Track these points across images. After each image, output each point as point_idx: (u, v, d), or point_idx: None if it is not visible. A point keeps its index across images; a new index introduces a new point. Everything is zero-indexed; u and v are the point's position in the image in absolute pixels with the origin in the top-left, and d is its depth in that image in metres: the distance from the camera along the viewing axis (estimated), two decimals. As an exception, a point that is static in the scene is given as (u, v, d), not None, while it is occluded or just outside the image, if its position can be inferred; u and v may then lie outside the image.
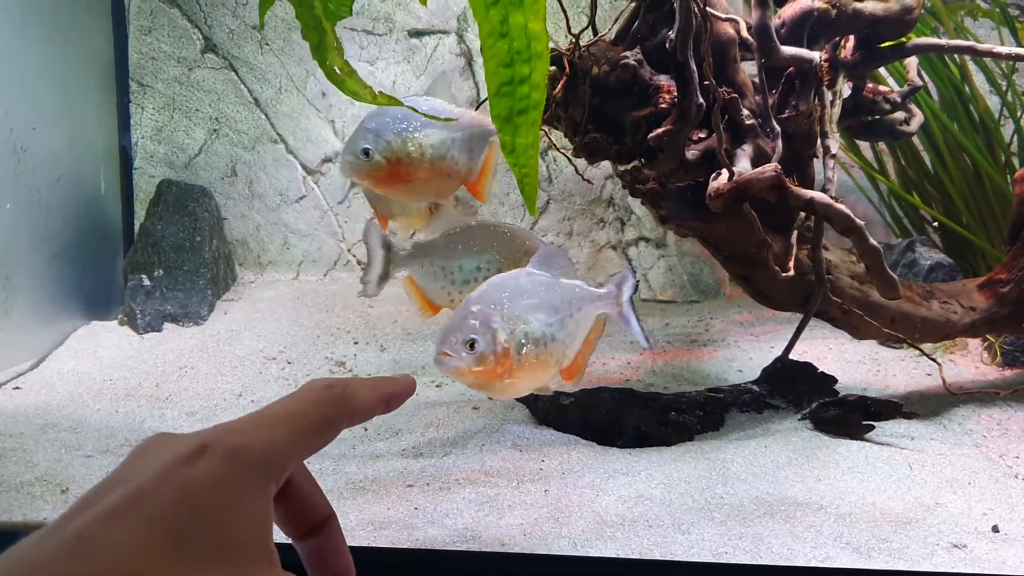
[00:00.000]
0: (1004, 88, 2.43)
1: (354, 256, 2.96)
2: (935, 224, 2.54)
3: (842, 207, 1.54)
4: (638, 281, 2.53)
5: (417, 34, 2.86)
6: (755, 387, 1.95)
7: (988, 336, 2.19)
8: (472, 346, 1.29)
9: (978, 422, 1.95)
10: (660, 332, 2.66)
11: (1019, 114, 2.42)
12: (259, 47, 2.83)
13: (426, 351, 2.45)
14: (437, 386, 2.22)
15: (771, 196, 1.56)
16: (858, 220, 1.54)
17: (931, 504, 1.55)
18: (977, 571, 1.38)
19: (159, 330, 2.53)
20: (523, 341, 1.34)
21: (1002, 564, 1.40)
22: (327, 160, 2.92)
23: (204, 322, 2.60)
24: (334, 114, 2.90)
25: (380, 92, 1.53)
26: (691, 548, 1.41)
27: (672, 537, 1.43)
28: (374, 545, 1.38)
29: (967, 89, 2.40)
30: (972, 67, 2.45)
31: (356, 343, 2.51)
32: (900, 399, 2.09)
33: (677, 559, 1.39)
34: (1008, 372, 2.20)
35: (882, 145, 2.58)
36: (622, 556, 1.38)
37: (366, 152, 1.58)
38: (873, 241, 1.57)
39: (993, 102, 2.51)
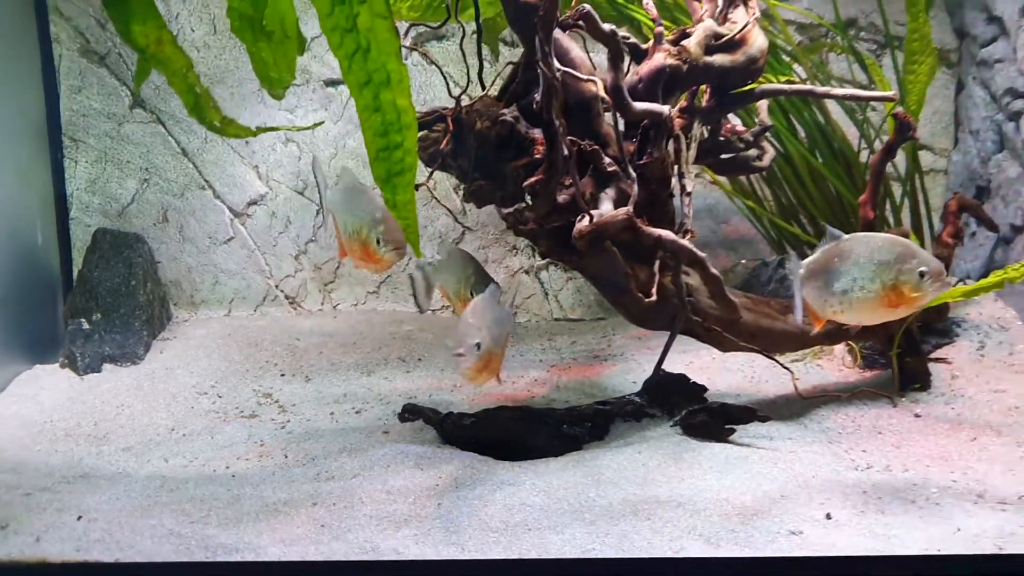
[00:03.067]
0: (861, 119, 2.66)
1: (281, 292, 3.12)
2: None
3: (685, 243, 1.75)
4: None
5: (332, 83, 3.05)
6: (637, 398, 2.15)
7: (849, 342, 2.42)
8: (478, 347, 1.74)
9: (835, 421, 2.17)
10: (567, 349, 2.86)
11: (875, 143, 2.64)
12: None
13: (348, 380, 2.62)
14: (357, 412, 2.40)
15: (626, 236, 1.76)
16: (700, 253, 1.75)
17: (777, 497, 1.76)
18: (809, 554, 1.58)
19: (98, 371, 2.68)
20: (497, 345, 1.80)
21: (831, 546, 1.60)
22: (253, 203, 3.09)
23: (141, 361, 2.75)
24: (257, 160, 3.07)
25: (258, 127, 1.76)
26: (563, 547, 1.60)
27: (548, 538, 1.62)
28: (285, 560, 1.55)
29: (825, 123, 2.62)
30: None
31: (283, 375, 2.67)
32: (769, 403, 2.31)
33: (549, 557, 1.58)
34: (868, 373, 2.42)
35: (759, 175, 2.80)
36: (501, 557, 1.57)
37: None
38: (714, 270, 1.78)
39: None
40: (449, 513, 1.69)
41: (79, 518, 1.68)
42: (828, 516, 1.69)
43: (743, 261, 2.96)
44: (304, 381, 2.62)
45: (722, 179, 2.80)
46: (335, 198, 1.99)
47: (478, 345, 1.73)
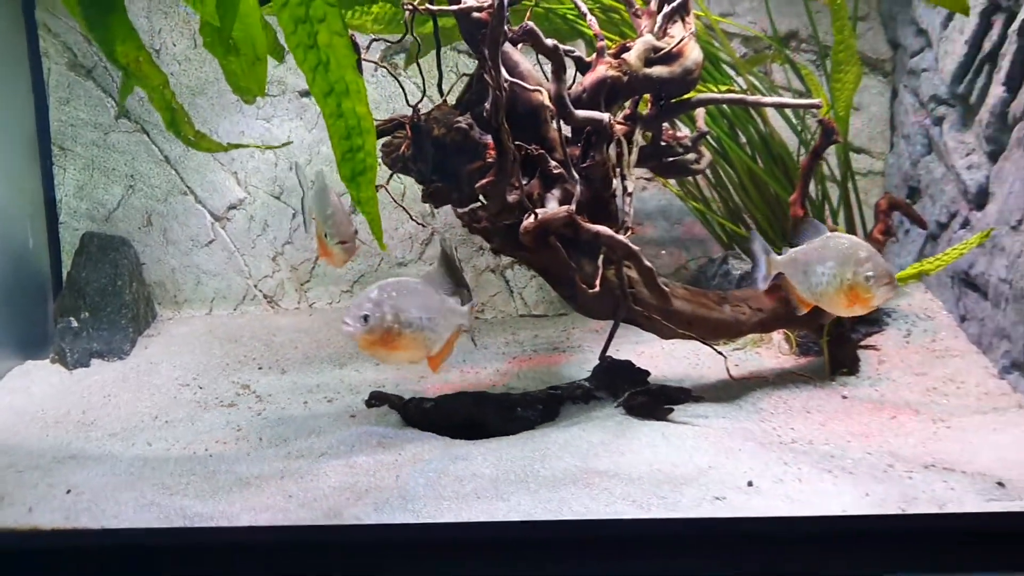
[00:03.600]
0: (799, 126, 2.82)
1: (260, 291, 3.26)
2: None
3: (620, 237, 1.90)
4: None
5: (306, 94, 3.18)
6: (586, 383, 2.30)
7: (785, 330, 2.58)
8: (366, 319, 1.75)
9: (768, 402, 2.32)
10: (529, 342, 3.00)
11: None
12: (167, 111, 3.13)
13: (321, 372, 2.76)
14: (328, 401, 2.53)
15: (567, 232, 1.92)
16: (633, 247, 1.90)
17: (705, 467, 1.90)
18: (729, 516, 1.74)
19: (87, 365, 2.81)
20: (400, 324, 1.79)
21: (750, 510, 1.75)
22: (232, 208, 3.22)
23: (127, 356, 2.88)
24: (236, 167, 3.21)
25: (229, 143, 1.90)
26: (509, 512, 1.74)
27: (495, 505, 1.76)
28: (254, 525, 1.69)
29: (766, 131, 2.78)
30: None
31: (260, 368, 2.80)
32: (710, 387, 2.46)
33: (496, 520, 1.72)
34: (802, 360, 2.58)
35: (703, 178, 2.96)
36: (454, 521, 1.71)
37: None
38: (647, 263, 1.94)
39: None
40: (406, 484, 1.84)
41: (68, 492, 1.82)
42: (750, 483, 1.83)
43: (693, 259, 3.13)
44: (280, 373, 2.76)
45: (673, 183, 2.96)
46: (311, 200, 2.14)
47: (365, 318, 1.76)
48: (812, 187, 2.75)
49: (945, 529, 1.69)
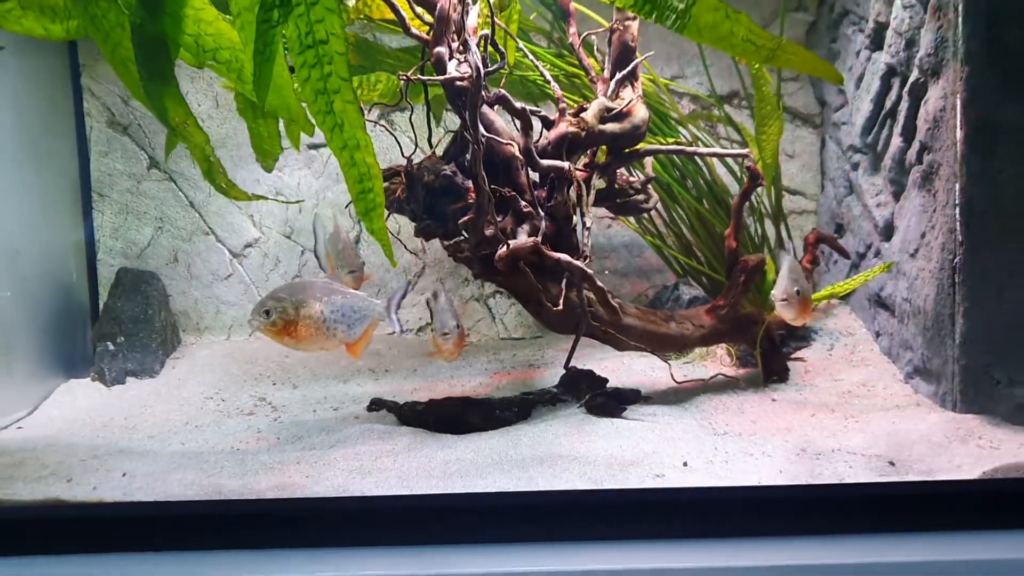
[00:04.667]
0: (739, 173, 3.19)
1: (274, 319, 3.59)
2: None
3: (577, 263, 2.25)
4: (407, 291, 3.15)
5: (314, 147, 3.54)
6: (554, 389, 2.63)
7: (726, 345, 2.92)
8: (267, 314, 2.05)
9: (710, 405, 2.63)
10: (509, 360, 3.32)
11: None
12: (191, 163, 3.47)
13: (328, 387, 3.06)
14: (335, 409, 2.83)
15: (534, 259, 2.26)
16: (588, 271, 2.25)
17: (650, 452, 2.20)
18: (664, 487, 2.05)
19: (123, 383, 3.11)
20: (302, 316, 2.10)
21: (683, 483, 2.07)
22: (248, 245, 3.55)
23: (157, 375, 3.19)
24: (252, 210, 3.54)
25: (254, 194, 2.25)
26: (486, 487, 2.04)
27: (475, 481, 2.06)
28: (278, 497, 2.01)
29: (711, 177, 3.15)
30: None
31: (274, 384, 3.11)
32: (661, 393, 2.77)
33: (476, 492, 2.04)
34: (742, 370, 2.91)
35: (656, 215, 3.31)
36: (442, 492, 2.03)
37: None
38: (600, 284, 2.28)
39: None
40: (402, 466, 2.15)
41: (123, 475, 2.12)
42: (685, 464, 2.13)
43: (652, 287, 3.48)
44: (292, 388, 3.08)
45: (633, 221, 3.31)
46: (327, 241, 2.50)
47: (267, 312, 2.05)
48: (753, 224, 3.12)
49: (842, 496, 1.99)
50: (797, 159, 3.50)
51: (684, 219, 3.17)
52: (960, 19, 2.30)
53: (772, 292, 2.34)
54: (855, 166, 3.07)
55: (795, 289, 2.30)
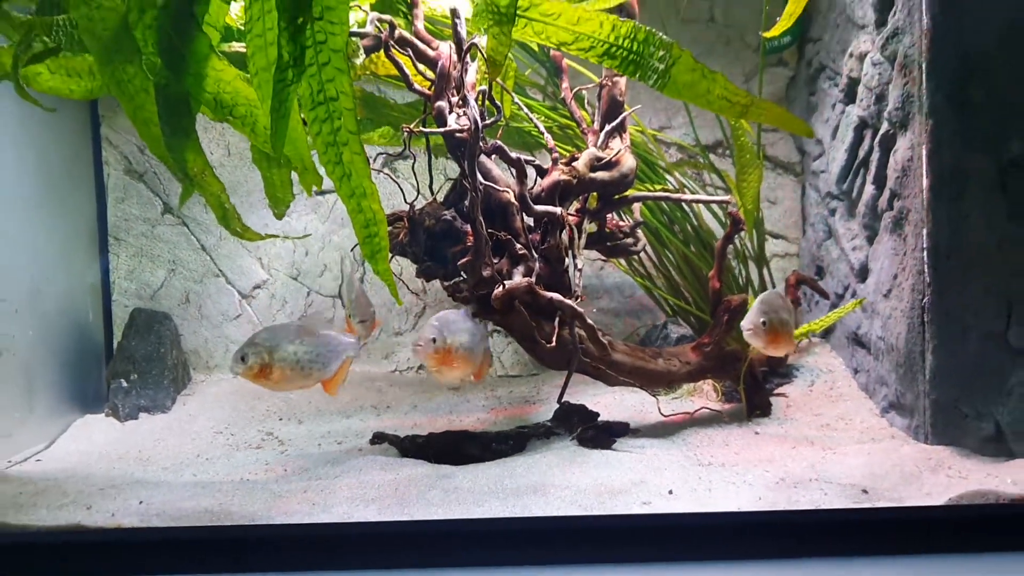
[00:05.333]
0: (723, 219, 3.32)
1: (280, 357, 3.71)
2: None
3: (569, 302, 2.37)
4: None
5: (321, 193, 3.68)
6: (548, 423, 2.74)
7: (712, 381, 3.03)
8: (243, 359, 2.17)
9: (696, 438, 2.73)
10: (506, 397, 3.43)
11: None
12: (204, 208, 3.61)
13: (331, 422, 3.16)
14: (339, 443, 2.93)
15: (528, 299, 2.39)
16: (579, 309, 2.37)
17: (638, 481, 2.30)
18: (649, 512, 2.15)
19: (136, 418, 3.22)
20: (276, 360, 2.20)
21: (669, 510, 2.18)
22: (256, 287, 3.67)
23: (169, 411, 3.29)
24: (260, 253, 3.66)
25: (267, 234, 2.38)
26: (483, 514, 2.15)
27: (471, 509, 2.16)
28: (287, 523, 2.11)
29: (697, 223, 3.28)
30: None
31: (280, 419, 3.21)
32: (650, 427, 2.86)
33: (471, 517, 2.14)
34: (727, 405, 3.02)
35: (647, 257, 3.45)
36: (438, 519, 2.13)
37: None
38: (590, 321, 2.40)
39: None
40: (403, 495, 2.25)
41: (140, 502, 2.23)
42: (670, 492, 2.22)
43: (643, 326, 3.59)
44: (297, 423, 3.18)
45: (623, 263, 3.44)
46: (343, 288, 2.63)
47: (243, 358, 2.17)
48: (737, 266, 3.26)
49: (816, 521, 2.09)
50: (780, 205, 3.64)
51: (672, 262, 3.30)
52: (924, 76, 2.45)
53: (741, 323, 2.46)
54: (832, 212, 3.21)
55: (761, 320, 2.41)
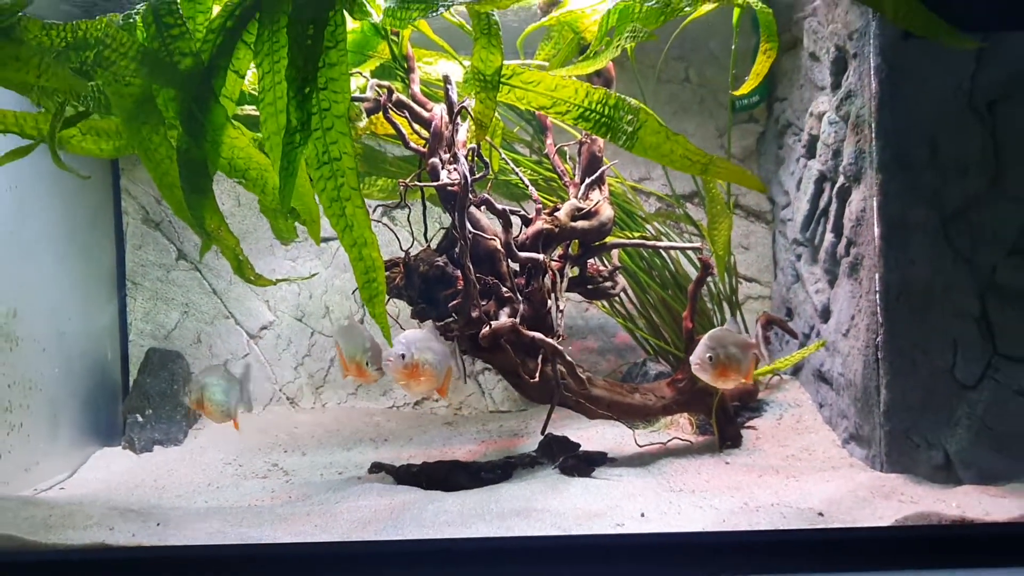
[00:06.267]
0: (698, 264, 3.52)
1: (284, 394, 3.89)
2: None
3: (550, 341, 2.58)
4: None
5: (325, 240, 3.89)
6: (533, 453, 2.92)
7: (688, 415, 3.22)
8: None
9: (669, 466, 2.88)
10: (496, 431, 3.61)
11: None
12: (216, 254, 3.82)
13: (333, 454, 3.32)
14: (339, 473, 3.10)
15: (512, 337, 2.59)
16: (559, 347, 2.57)
17: (613, 506, 2.45)
18: (622, 533, 2.33)
19: (150, 451, 3.40)
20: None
21: (640, 531, 2.35)
22: (263, 328, 3.87)
23: (181, 444, 3.48)
24: (267, 296, 3.85)
25: (277, 279, 2.59)
26: (471, 534, 2.34)
27: (460, 530, 2.33)
28: (292, 542, 2.29)
29: (674, 268, 3.49)
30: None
31: (286, 451, 3.39)
32: (628, 458, 3.03)
33: (459, 537, 2.32)
34: (701, 437, 3.19)
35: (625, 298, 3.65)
36: (429, 538, 2.31)
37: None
38: (569, 359, 2.60)
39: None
40: (398, 518, 2.42)
41: (157, 524, 2.41)
42: (642, 515, 2.39)
43: (625, 363, 3.79)
44: (301, 455, 3.35)
45: (606, 304, 3.65)
46: (340, 333, 2.81)
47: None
48: (713, 308, 3.46)
49: (771, 541, 2.28)
50: (752, 251, 3.85)
51: (652, 304, 3.50)
52: (873, 135, 2.67)
53: (690, 358, 2.64)
54: (799, 257, 3.42)
55: (708, 356, 2.59)
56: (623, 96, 2.42)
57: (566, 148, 3.15)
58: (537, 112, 3.08)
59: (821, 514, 2.39)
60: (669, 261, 3.48)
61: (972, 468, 2.60)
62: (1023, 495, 2.49)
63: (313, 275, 3.79)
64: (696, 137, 3.80)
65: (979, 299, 2.61)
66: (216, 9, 2.27)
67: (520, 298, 2.72)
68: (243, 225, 3.82)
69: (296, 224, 2.82)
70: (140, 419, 3.45)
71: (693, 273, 3.49)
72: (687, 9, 2.53)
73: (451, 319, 2.77)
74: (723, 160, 2.35)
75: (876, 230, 2.67)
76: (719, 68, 3.72)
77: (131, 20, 2.25)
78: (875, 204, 2.67)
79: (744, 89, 2.86)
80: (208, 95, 2.19)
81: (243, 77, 2.27)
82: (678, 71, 3.83)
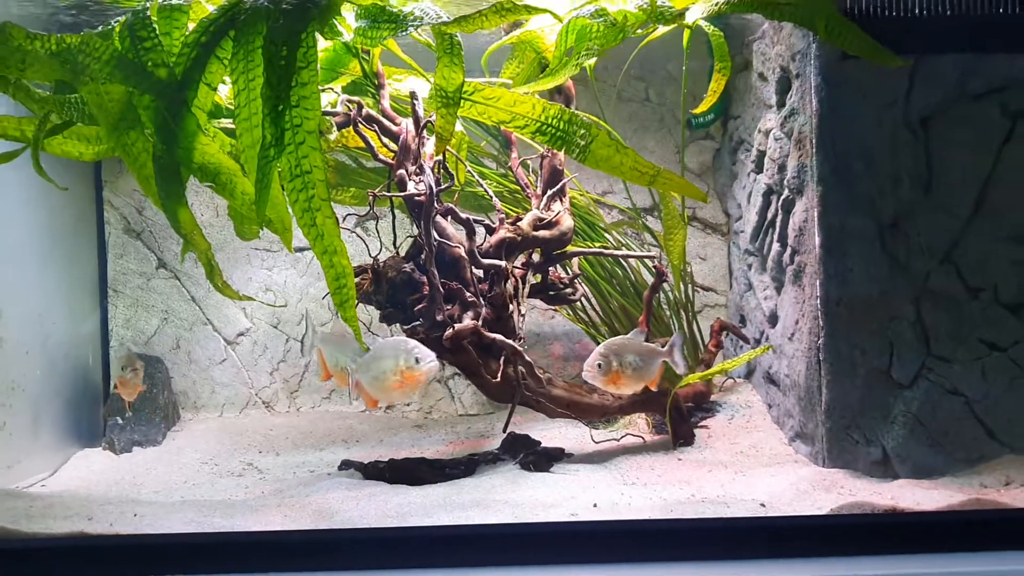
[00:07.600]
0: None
1: (259, 398, 3.98)
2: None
3: (509, 342, 2.70)
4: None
5: (299, 250, 3.99)
6: (496, 451, 3.04)
7: (644, 414, 3.34)
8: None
9: (627, 463, 2.99)
10: (464, 432, 3.71)
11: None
12: (194, 263, 3.91)
13: (305, 454, 3.37)
14: (311, 471, 3.17)
15: (474, 339, 2.71)
16: (518, 348, 2.69)
17: (568, 497, 2.56)
18: (575, 521, 2.44)
19: (130, 451, 3.47)
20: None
21: (592, 520, 2.46)
22: (240, 334, 3.95)
23: (160, 445, 3.54)
24: (244, 303, 3.97)
25: (244, 295, 2.69)
26: (432, 523, 2.44)
27: (423, 519, 2.44)
28: (262, 530, 2.39)
29: (634, 276, 3.63)
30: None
31: (260, 452, 3.45)
32: (587, 455, 3.14)
33: (422, 525, 2.42)
34: (657, 436, 3.31)
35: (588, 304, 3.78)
36: (392, 526, 2.41)
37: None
38: (528, 359, 2.72)
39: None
40: (364, 509, 2.52)
41: (135, 515, 2.50)
42: (595, 505, 2.49)
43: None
44: (275, 455, 3.42)
45: (569, 311, 3.77)
46: (327, 339, 2.90)
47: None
48: (670, 314, 3.59)
49: (713, 527, 2.38)
50: (709, 261, 3.99)
51: (613, 311, 3.63)
52: (814, 150, 2.82)
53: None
54: (750, 266, 3.56)
55: (597, 363, 2.73)
56: (577, 112, 2.55)
57: (529, 161, 3.28)
58: (500, 127, 3.21)
59: (763, 504, 2.51)
60: (630, 271, 3.61)
61: (908, 463, 2.73)
62: (953, 487, 2.62)
63: (283, 305, 3.89)
64: (656, 153, 3.95)
65: (914, 304, 2.75)
66: (192, 26, 2.39)
67: (483, 302, 2.83)
68: (221, 235, 3.92)
69: (265, 231, 2.92)
70: (120, 421, 3.53)
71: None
72: (639, 32, 2.67)
73: (417, 322, 2.88)
74: (670, 172, 2.48)
75: (817, 239, 2.80)
76: (678, 88, 3.87)
77: (109, 28, 2.38)
78: (816, 215, 2.80)
79: (701, 108, 3.01)
80: (181, 105, 2.30)
81: (215, 89, 2.39)
82: (639, 91, 3.97)
